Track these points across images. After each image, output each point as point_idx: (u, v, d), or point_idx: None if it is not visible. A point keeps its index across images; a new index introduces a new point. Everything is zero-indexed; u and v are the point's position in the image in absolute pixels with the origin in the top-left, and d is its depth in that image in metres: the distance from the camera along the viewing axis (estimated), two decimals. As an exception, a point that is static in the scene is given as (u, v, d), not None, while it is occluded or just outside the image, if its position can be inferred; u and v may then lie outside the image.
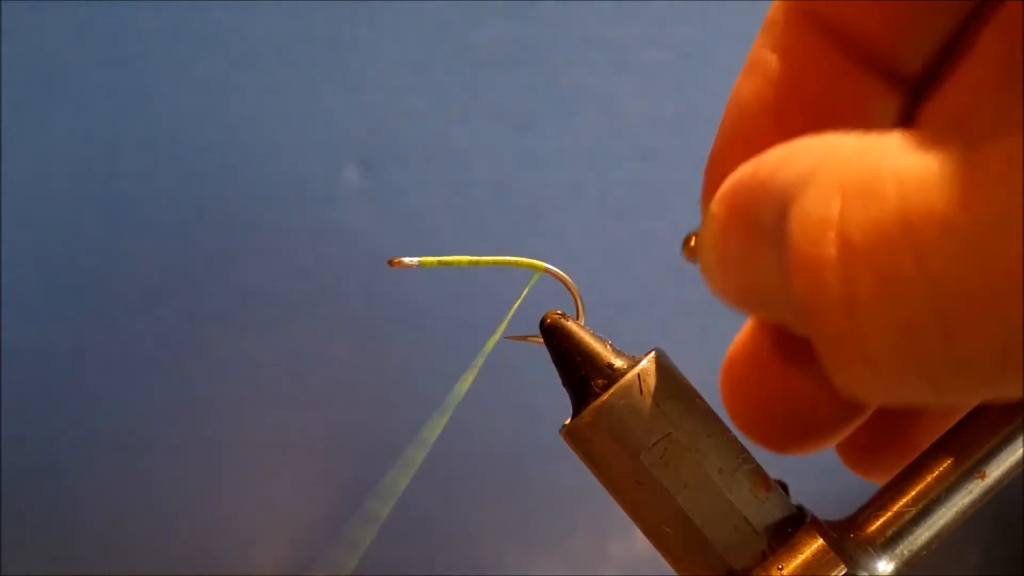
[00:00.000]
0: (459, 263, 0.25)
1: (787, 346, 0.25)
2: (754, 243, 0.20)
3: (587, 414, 0.26)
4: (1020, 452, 0.25)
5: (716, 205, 0.21)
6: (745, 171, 0.21)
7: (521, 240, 0.78)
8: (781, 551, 0.25)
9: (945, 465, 0.25)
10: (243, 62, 0.76)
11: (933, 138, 0.16)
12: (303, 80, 0.77)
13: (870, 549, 0.25)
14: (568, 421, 0.26)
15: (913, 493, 0.25)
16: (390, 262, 0.26)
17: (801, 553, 0.25)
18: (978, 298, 0.14)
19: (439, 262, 0.25)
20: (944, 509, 0.25)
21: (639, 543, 0.26)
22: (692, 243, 0.24)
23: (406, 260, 0.25)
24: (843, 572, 0.24)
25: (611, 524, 0.81)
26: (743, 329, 0.27)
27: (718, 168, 0.24)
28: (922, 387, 0.16)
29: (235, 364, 0.79)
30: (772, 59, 0.24)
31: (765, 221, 0.19)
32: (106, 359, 0.79)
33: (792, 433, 0.26)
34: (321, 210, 0.78)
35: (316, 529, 0.81)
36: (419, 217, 0.78)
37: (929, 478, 0.25)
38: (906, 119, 0.24)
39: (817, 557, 0.25)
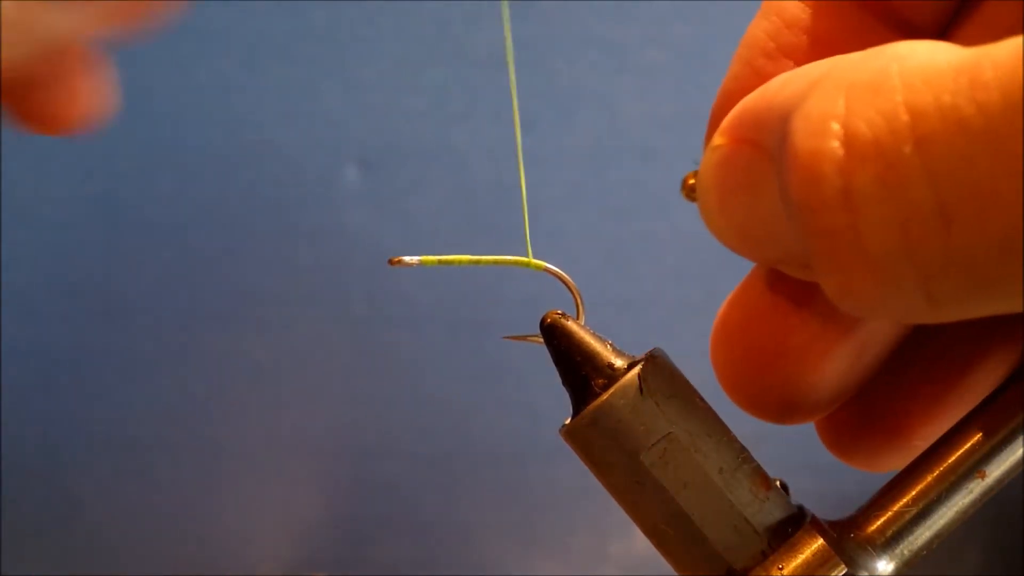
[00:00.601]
0: (459, 262, 0.25)
1: (780, 298, 0.25)
2: (756, 166, 0.20)
3: (587, 414, 0.26)
4: (1020, 452, 0.25)
5: (718, 137, 0.21)
6: (748, 100, 0.21)
7: (521, 240, 0.78)
8: (781, 551, 0.25)
9: (945, 465, 0.25)
10: (243, 62, 0.76)
11: (939, 45, 0.16)
12: (303, 80, 0.77)
13: (870, 549, 0.25)
14: (568, 421, 0.26)
15: (913, 493, 0.25)
16: (390, 261, 0.26)
17: (801, 553, 0.25)
18: (979, 186, 0.14)
19: (439, 261, 0.25)
20: (944, 509, 0.25)
21: (639, 543, 0.26)
22: (691, 182, 0.24)
23: (406, 259, 0.25)
24: (843, 572, 0.24)
25: (611, 524, 0.81)
26: (734, 291, 0.27)
27: (725, 107, 0.24)
28: (917, 290, 0.16)
29: (235, 364, 0.79)
30: (788, 3, 0.24)
31: (768, 142, 0.19)
32: (106, 359, 0.79)
33: (783, 396, 0.26)
34: (321, 210, 0.78)
35: (316, 529, 0.81)
36: (419, 217, 0.78)
37: (929, 478, 0.25)
38: None
39: (817, 557, 0.25)
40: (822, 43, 0.24)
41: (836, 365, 0.25)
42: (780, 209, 0.18)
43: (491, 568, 0.82)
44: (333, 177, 0.77)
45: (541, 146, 0.77)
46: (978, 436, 0.25)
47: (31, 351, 0.79)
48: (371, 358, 0.80)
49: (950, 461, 0.25)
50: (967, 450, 0.25)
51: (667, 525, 0.25)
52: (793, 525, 0.25)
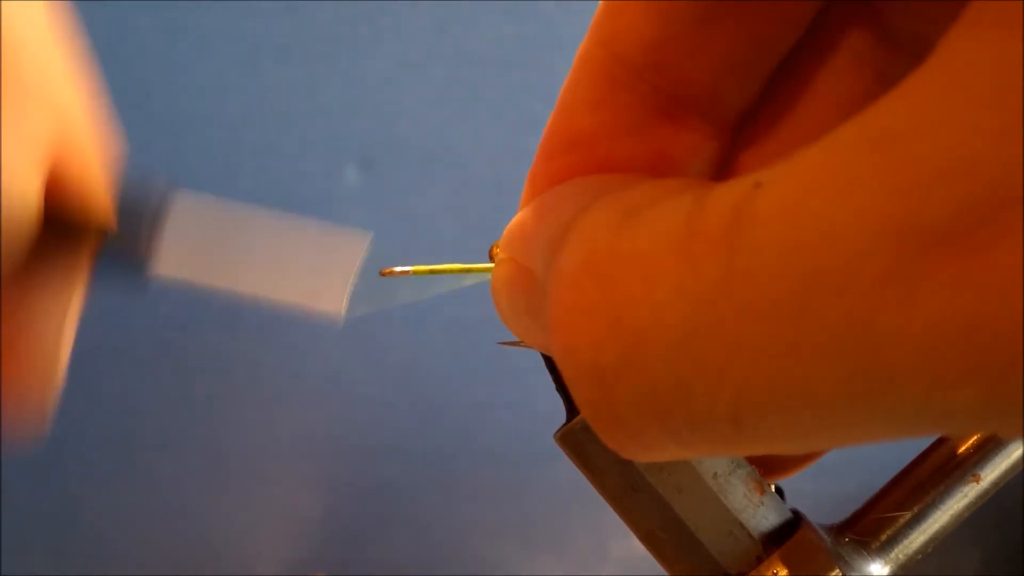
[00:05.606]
0: (451, 271, 0.25)
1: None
2: (534, 294, 0.19)
3: (581, 419, 0.26)
4: (1015, 455, 0.25)
5: (501, 249, 0.21)
6: (524, 215, 0.20)
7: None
8: (776, 555, 0.25)
9: (940, 469, 0.25)
10: (243, 62, 0.76)
11: (668, 213, 0.15)
12: (303, 80, 0.77)
13: (865, 552, 0.25)
14: (562, 426, 0.26)
15: (908, 497, 0.25)
16: (382, 272, 0.26)
17: (796, 557, 0.25)
18: (707, 361, 0.14)
19: (431, 270, 0.25)
20: (939, 513, 0.25)
21: (638, 543, 0.26)
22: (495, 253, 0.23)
23: (397, 269, 0.25)
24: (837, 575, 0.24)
25: (611, 524, 0.81)
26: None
27: (528, 190, 0.23)
28: (676, 447, 0.16)
29: (235, 364, 0.79)
30: (570, 99, 0.22)
31: (539, 272, 0.19)
32: (106, 360, 0.79)
33: None
34: (321, 210, 0.78)
35: (316, 529, 0.82)
36: (419, 217, 0.78)
37: (924, 482, 0.25)
38: (727, 162, 0.22)
39: (812, 561, 0.25)
40: (603, 145, 0.22)
41: None
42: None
43: (491, 568, 0.82)
44: (333, 177, 0.77)
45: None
46: (973, 440, 0.25)
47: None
48: (371, 358, 0.80)
49: (945, 465, 0.25)
50: (962, 454, 0.25)
51: (662, 530, 0.25)
52: (788, 529, 0.25)
